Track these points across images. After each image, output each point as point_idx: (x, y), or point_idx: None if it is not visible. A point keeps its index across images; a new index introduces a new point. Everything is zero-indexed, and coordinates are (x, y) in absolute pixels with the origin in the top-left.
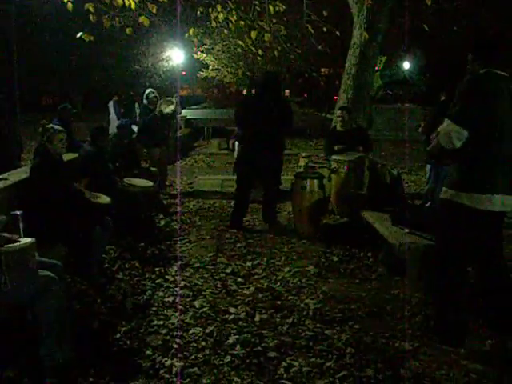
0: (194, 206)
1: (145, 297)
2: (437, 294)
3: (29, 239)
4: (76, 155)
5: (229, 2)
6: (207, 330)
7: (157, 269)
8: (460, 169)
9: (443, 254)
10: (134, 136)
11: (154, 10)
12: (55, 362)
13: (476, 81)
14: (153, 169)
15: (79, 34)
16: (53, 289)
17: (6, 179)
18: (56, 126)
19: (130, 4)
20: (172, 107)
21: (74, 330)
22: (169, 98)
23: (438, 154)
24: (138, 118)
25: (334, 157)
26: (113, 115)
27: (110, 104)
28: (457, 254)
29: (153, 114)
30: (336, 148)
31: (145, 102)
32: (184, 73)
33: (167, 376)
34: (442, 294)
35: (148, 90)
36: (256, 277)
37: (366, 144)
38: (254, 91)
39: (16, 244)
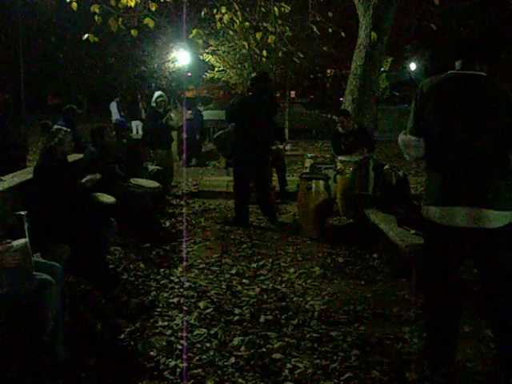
0: (199, 206)
1: (149, 298)
2: (423, 307)
3: (22, 240)
4: (81, 156)
5: (234, 3)
6: (212, 331)
7: (161, 270)
8: (426, 179)
9: (426, 267)
10: (139, 136)
11: (154, 8)
12: (50, 364)
13: (423, 85)
14: (153, 167)
15: (85, 36)
16: (49, 291)
17: (3, 180)
18: (64, 128)
19: (134, 4)
20: (180, 123)
21: (69, 332)
22: (178, 113)
23: None
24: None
25: (339, 157)
26: (116, 116)
27: (112, 105)
28: (438, 269)
29: (160, 121)
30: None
31: (153, 104)
32: (190, 74)
33: (171, 377)
34: (426, 305)
35: (157, 94)
36: (261, 278)
37: (369, 144)
38: (250, 93)
39: (10, 245)
